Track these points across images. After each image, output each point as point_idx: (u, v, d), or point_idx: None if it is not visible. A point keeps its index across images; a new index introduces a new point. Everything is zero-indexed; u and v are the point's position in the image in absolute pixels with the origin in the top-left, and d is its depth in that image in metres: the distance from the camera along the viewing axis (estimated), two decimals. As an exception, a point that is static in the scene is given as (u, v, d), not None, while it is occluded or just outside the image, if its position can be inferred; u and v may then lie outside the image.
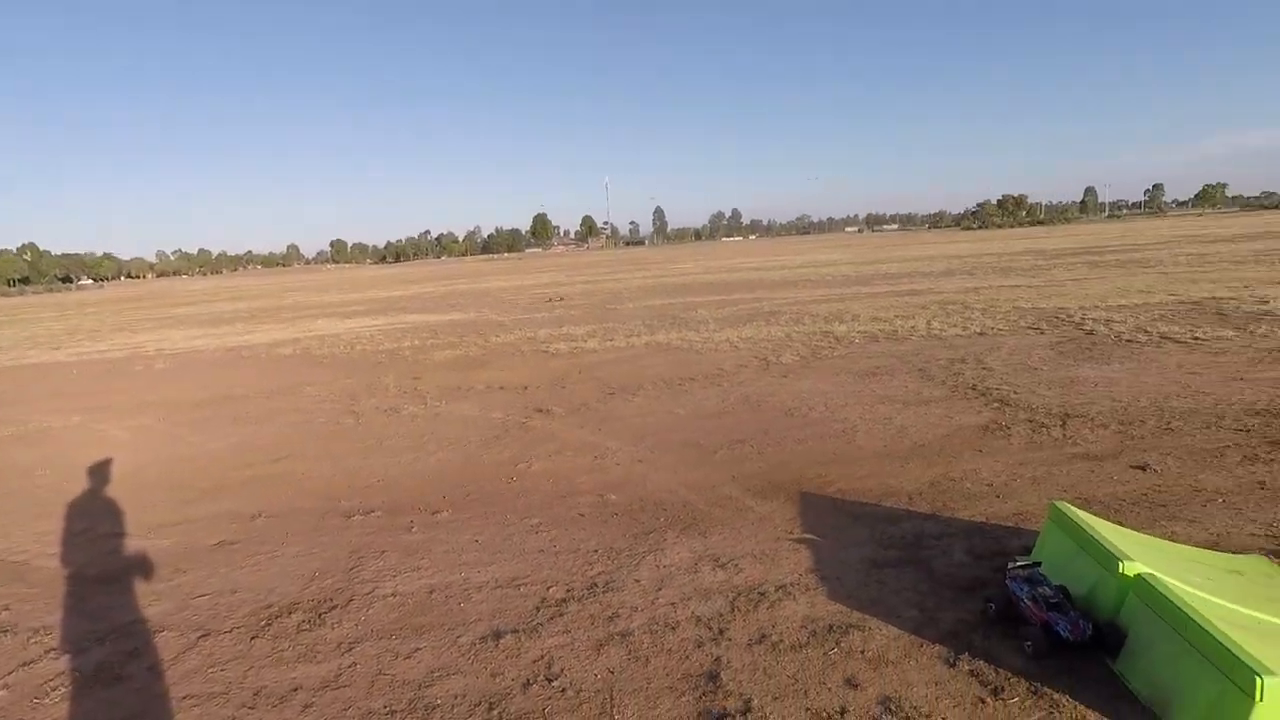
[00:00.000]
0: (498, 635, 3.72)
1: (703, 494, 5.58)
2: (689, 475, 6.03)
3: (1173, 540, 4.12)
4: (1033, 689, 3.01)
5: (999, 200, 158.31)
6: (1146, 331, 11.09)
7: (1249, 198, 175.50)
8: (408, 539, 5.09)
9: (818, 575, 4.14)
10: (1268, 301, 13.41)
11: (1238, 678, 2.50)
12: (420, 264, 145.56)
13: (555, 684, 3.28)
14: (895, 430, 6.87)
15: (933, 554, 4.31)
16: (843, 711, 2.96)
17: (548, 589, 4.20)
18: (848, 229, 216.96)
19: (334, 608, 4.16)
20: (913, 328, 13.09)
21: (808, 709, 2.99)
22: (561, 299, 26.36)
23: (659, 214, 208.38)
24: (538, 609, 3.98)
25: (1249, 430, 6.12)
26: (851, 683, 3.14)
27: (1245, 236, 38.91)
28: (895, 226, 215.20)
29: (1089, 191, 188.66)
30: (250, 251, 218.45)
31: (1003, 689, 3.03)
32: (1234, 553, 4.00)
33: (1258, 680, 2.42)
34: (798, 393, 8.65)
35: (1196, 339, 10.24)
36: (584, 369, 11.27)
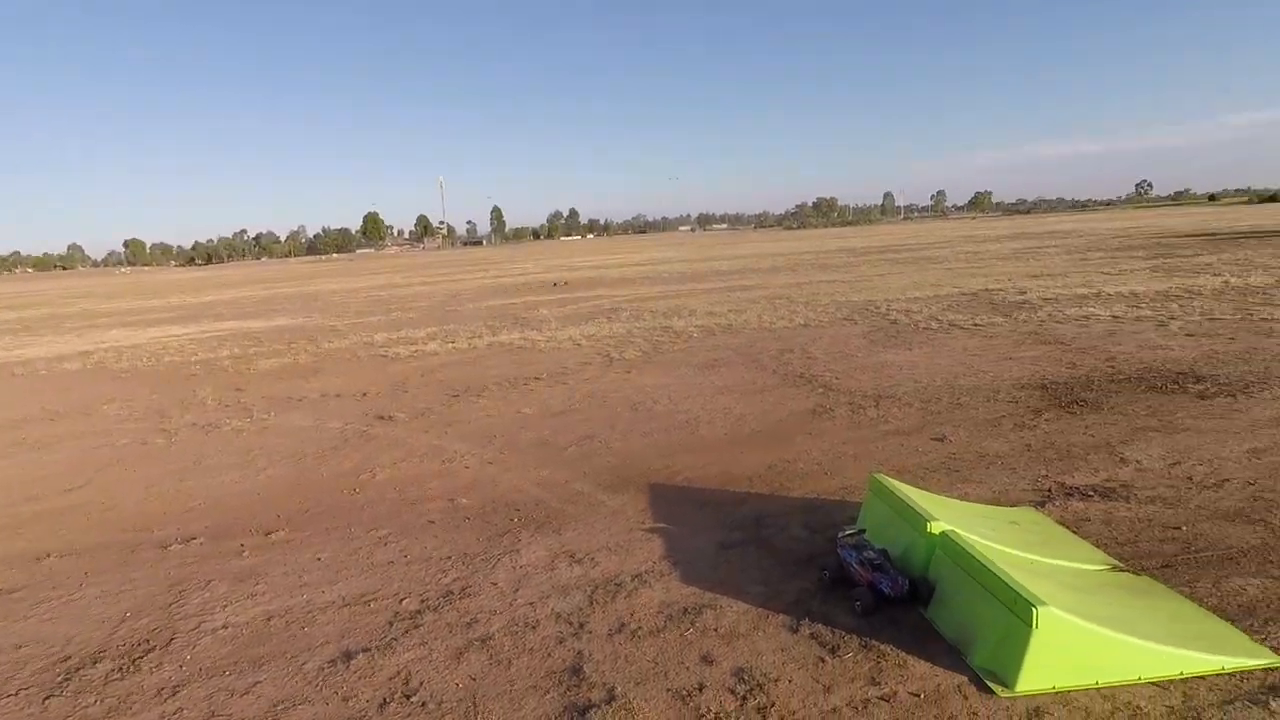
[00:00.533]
0: (348, 656, 3.50)
1: (555, 491, 5.58)
2: (540, 474, 6.00)
3: (965, 499, 4.69)
4: (863, 644, 3.31)
5: (814, 202, 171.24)
6: (938, 320, 12.49)
7: (1009, 204, 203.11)
8: (238, 565, 4.66)
9: (671, 561, 4.28)
10: (1025, 292, 15.58)
11: (1019, 611, 2.91)
12: (237, 266, 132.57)
13: (414, 699, 3.15)
14: (735, 419, 7.24)
15: (773, 532, 4.60)
16: (701, 687, 3.09)
17: (400, 602, 4.02)
18: (681, 228, 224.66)
19: (151, 650, 3.72)
20: (745, 321, 13.84)
21: (668, 689, 3.09)
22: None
23: (497, 213, 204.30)
24: (390, 624, 3.79)
25: (1017, 402, 7.08)
26: (707, 659, 3.29)
27: (1007, 237, 44.97)
28: (725, 226, 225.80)
29: (887, 196, 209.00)
30: (19, 253, 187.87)
31: (838, 647, 3.30)
32: (1010, 506, 4.63)
33: (1034, 611, 2.83)
34: (641, 387, 8.87)
35: (976, 325, 11.70)
36: (426, 372, 10.85)
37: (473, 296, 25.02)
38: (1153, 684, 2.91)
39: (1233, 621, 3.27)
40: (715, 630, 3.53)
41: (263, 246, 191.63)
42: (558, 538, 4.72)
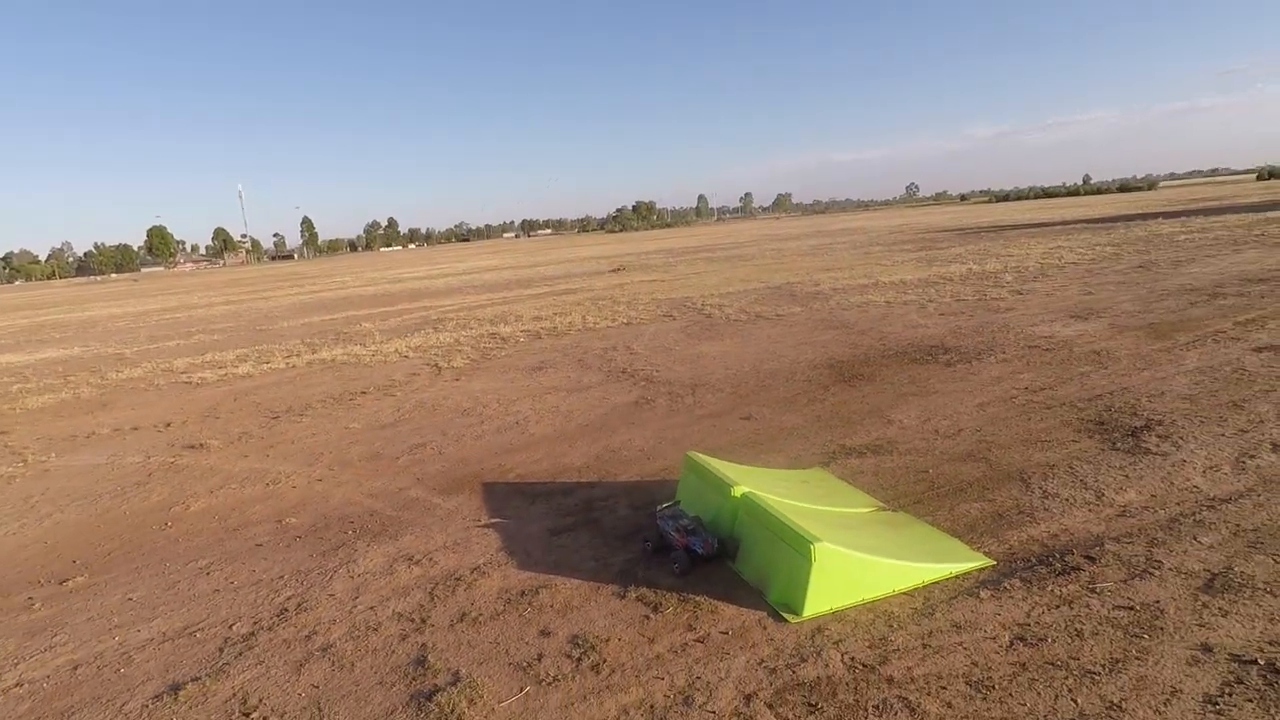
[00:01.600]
0: (175, 688, 3.36)
1: (389, 500, 5.55)
2: (372, 485, 5.93)
3: (766, 466, 5.32)
4: (682, 599, 3.73)
5: (634, 206, 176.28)
6: (746, 312, 13.60)
7: (807, 205, 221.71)
8: (28, 619, 4.21)
9: (507, 552, 4.48)
10: (819, 284, 17.36)
11: (800, 549, 3.45)
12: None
13: (254, 716, 3.11)
14: (562, 415, 7.54)
15: (601, 514, 4.94)
16: (540, 657, 3.34)
17: (230, 627, 3.88)
18: (506, 235, 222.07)
19: (-69, 719, 3.32)
20: (570, 323, 14.19)
21: (510, 663, 3.31)
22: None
23: (308, 224, 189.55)
24: (220, 650, 3.66)
25: (811, 380, 8.02)
26: (545, 632, 3.54)
27: (805, 235, 49.28)
28: (549, 231, 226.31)
29: (701, 198, 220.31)
30: None
31: (661, 605, 3.69)
32: (803, 468, 5.32)
33: (811, 547, 3.38)
34: (471, 393, 8.91)
35: (778, 315, 12.90)
36: (238, 395, 10.10)
37: (286, 314, 23.29)
38: (903, 594, 3.58)
39: (960, 537, 4.07)
40: (551, 606, 3.79)
41: (15, 268, 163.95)
42: (394, 544, 4.74)
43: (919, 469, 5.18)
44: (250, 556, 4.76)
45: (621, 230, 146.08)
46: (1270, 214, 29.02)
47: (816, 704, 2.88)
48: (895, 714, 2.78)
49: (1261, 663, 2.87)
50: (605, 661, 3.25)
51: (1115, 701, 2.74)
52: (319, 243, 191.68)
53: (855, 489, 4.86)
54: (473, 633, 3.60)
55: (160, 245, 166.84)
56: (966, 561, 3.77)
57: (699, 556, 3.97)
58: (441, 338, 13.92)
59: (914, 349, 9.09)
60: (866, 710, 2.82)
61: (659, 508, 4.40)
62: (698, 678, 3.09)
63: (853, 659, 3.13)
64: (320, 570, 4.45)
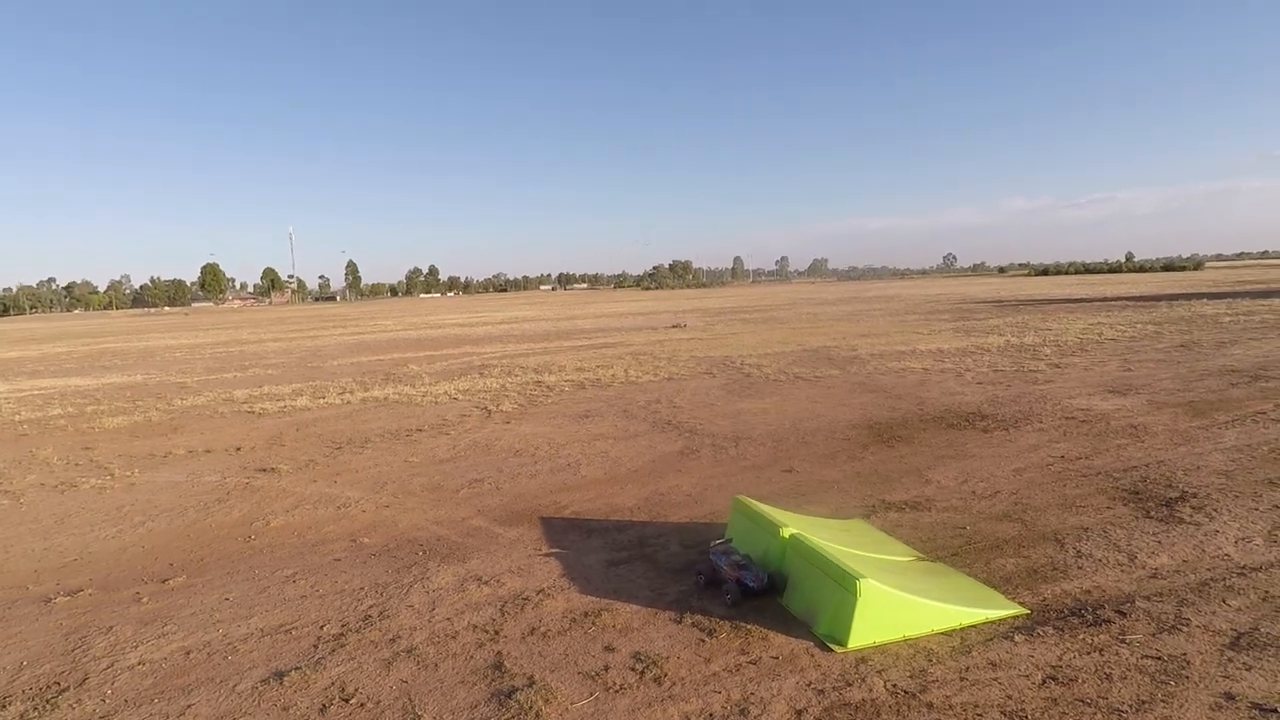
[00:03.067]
0: (279, 675, 3.77)
1: (453, 528, 5.98)
2: (436, 513, 6.37)
3: (809, 514, 5.65)
4: (734, 627, 4.06)
5: (670, 264, 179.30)
6: (785, 373, 13.99)
7: (842, 270, 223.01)
8: (139, 610, 4.69)
9: (568, 578, 4.86)
10: (856, 349, 17.71)
11: (847, 585, 3.79)
12: (44, 318, 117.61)
13: (353, 701, 3.51)
14: (611, 461, 7.95)
15: (654, 550, 5.30)
16: (606, 668, 3.70)
17: (321, 628, 4.30)
18: (542, 287, 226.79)
19: (65, 689, 3.77)
20: (613, 376, 14.70)
21: (579, 672, 3.67)
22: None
23: (352, 268, 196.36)
24: (315, 646, 4.08)
25: (849, 439, 8.34)
26: (609, 648, 3.90)
27: (841, 300, 49.75)
28: (585, 285, 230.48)
29: (736, 260, 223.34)
30: None
31: (715, 630, 4.03)
32: (844, 518, 5.64)
33: (858, 583, 3.72)
34: (522, 435, 9.39)
35: (816, 377, 13.26)
36: (300, 426, 10.72)
37: (335, 353, 24.28)
38: (942, 634, 3.87)
39: (996, 588, 4.35)
40: (613, 627, 4.15)
41: (75, 297, 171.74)
42: (463, 566, 5.15)
43: (956, 525, 5.47)
44: (331, 569, 5.21)
45: (657, 288, 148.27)
46: (1319, 300, 28.73)
47: (861, 722, 3.18)
48: (934, 735, 3.08)
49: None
50: (666, 675, 3.60)
51: (1140, 736, 3.00)
52: (361, 286, 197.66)
53: (894, 539, 5.17)
54: (543, 645, 3.97)
55: (212, 281, 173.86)
56: (1002, 609, 4.05)
57: (750, 590, 4.31)
58: (488, 383, 14.52)
59: (951, 415, 9.37)
60: (908, 731, 3.11)
61: (713, 544, 4.76)
62: (752, 694, 3.42)
63: (895, 686, 3.43)
64: (397, 584, 4.87)
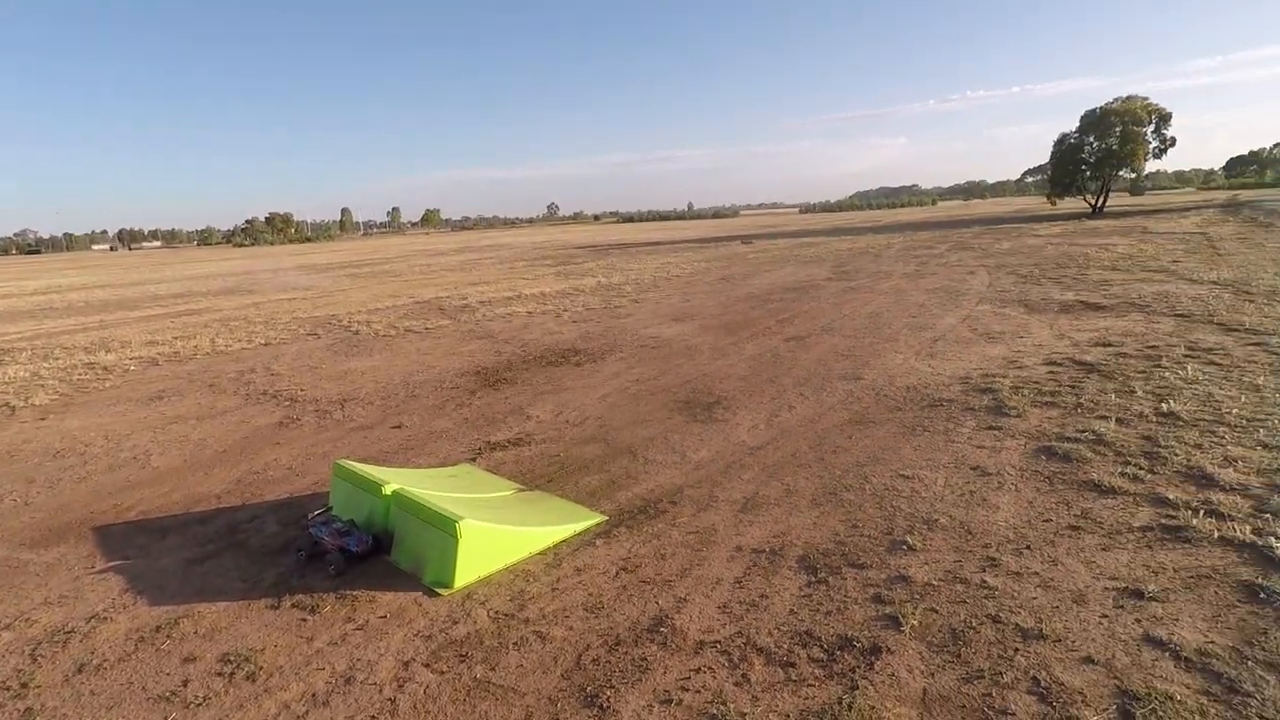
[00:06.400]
0: None
1: (-46, 568, 4.49)
2: (-76, 555, 4.70)
3: (419, 467, 5.61)
4: (339, 596, 3.85)
5: (268, 217, 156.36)
6: (396, 327, 13.47)
7: (456, 220, 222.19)
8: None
9: (134, 593, 4.05)
10: (467, 298, 17.90)
11: (448, 529, 3.87)
12: None
13: None
14: (193, 445, 6.78)
15: (248, 535, 4.71)
16: (186, 682, 3.19)
17: None
18: (96, 247, 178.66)
19: None
20: (196, 347, 12.46)
21: (149, 698, 3.10)
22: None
23: None
24: None
25: (459, 387, 8.45)
26: (190, 659, 3.37)
27: (454, 250, 49.62)
28: (159, 244, 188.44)
29: (345, 212, 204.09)
30: None
31: (318, 606, 3.77)
32: (452, 465, 5.73)
33: (456, 525, 3.83)
34: (65, 432, 7.43)
35: (427, 329, 13.06)
36: None
37: None
38: (539, 554, 4.22)
39: (583, 503, 4.89)
40: (195, 633, 3.59)
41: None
42: (-31, 614, 3.91)
43: (552, 454, 5.96)
44: None
45: (253, 244, 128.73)
46: (805, 239, 37.96)
47: (467, 654, 3.32)
48: (530, 645, 3.36)
49: (769, 549, 4.12)
50: (261, 669, 3.26)
51: (682, 596, 3.69)
52: None
53: (498, 477, 5.43)
54: (96, 682, 3.25)
55: None
56: (587, 520, 4.57)
57: (354, 555, 4.12)
58: (11, 372, 11.07)
59: (550, 353, 10.12)
60: (508, 648, 3.35)
61: (309, 516, 4.40)
62: (358, 659, 3.30)
63: (497, 612, 3.65)
64: None
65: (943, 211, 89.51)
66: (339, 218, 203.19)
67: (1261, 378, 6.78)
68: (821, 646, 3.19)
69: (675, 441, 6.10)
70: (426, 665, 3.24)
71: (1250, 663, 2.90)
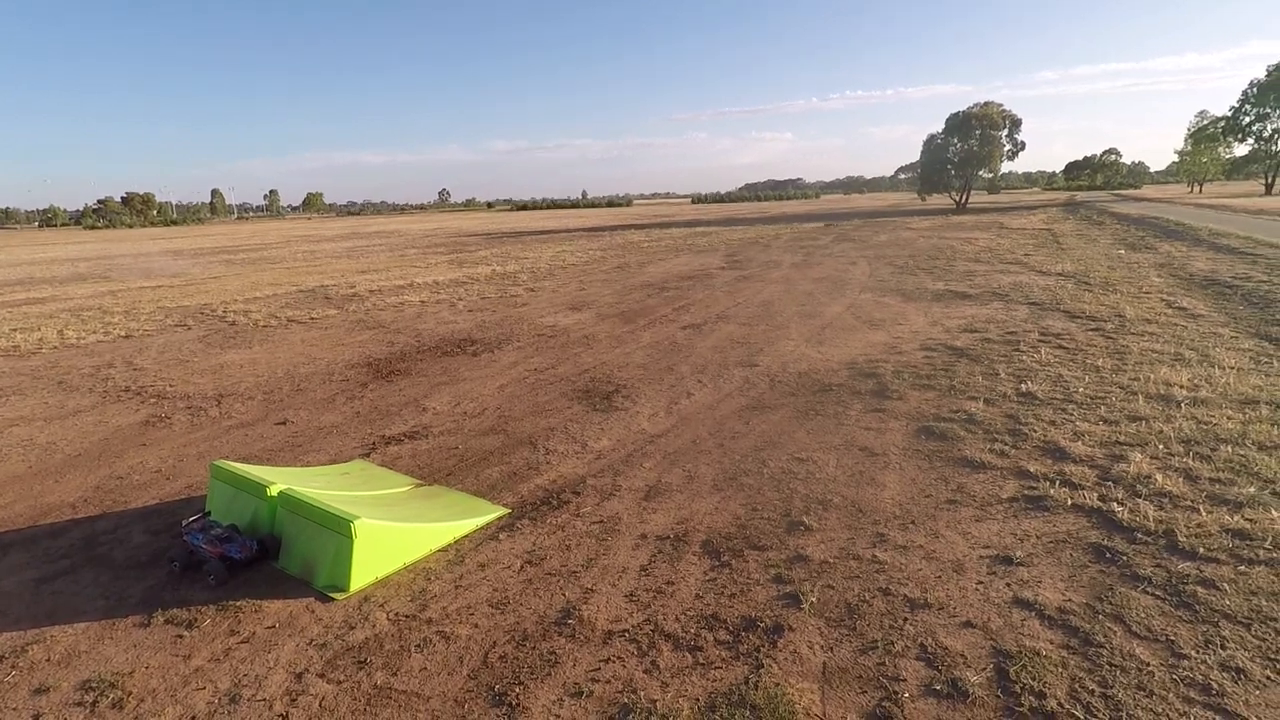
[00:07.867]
0: None
1: None
2: None
3: (308, 465, 5.26)
4: (221, 608, 3.55)
5: (124, 197, 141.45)
6: (277, 317, 12.57)
7: (341, 205, 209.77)
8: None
9: (-31, 619, 3.55)
10: (355, 286, 16.99)
11: (342, 529, 3.65)
12: None
13: None
14: (40, 449, 6.05)
15: (110, 548, 4.25)
16: (37, 717, 2.84)
17: None
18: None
19: None
20: (41, 340, 11.11)
21: (-9, 737, 2.74)
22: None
23: None
24: None
25: (349, 379, 8.00)
26: (41, 690, 3.00)
27: (340, 237, 46.94)
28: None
29: (216, 194, 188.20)
30: None
31: (196, 620, 3.45)
32: (344, 462, 5.42)
33: (352, 525, 3.61)
34: (-123, 440, 6.42)
35: (313, 319, 12.28)
36: None
37: None
38: (439, 551, 4.06)
39: (484, 496, 4.75)
40: (49, 660, 3.20)
41: None
42: None
43: (450, 447, 5.76)
44: None
45: (108, 227, 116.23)
46: (698, 228, 38.67)
47: (366, 660, 3.14)
48: (434, 646, 3.23)
49: (673, 536, 4.16)
50: (130, 694, 2.95)
51: (588, 587, 3.66)
52: None
53: (393, 473, 5.18)
54: (-75, 723, 2.83)
55: None
56: (489, 514, 4.44)
57: (237, 562, 3.80)
58: None
59: (446, 343, 9.77)
60: (410, 651, 3.20)
61: (184, 522, 4.03)
62: (244, 675, 3.05)
63: (397, 614, 3.48)
64: None
65: (825, 204, 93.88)
66: (209, 200, 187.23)
67: (1101, 359, 7.55)
68: (727, 629, 3.25)
69: (576, 431, 6.05)
70: (321, 675, 3.04)
71: (1101, 616, 3.22)
